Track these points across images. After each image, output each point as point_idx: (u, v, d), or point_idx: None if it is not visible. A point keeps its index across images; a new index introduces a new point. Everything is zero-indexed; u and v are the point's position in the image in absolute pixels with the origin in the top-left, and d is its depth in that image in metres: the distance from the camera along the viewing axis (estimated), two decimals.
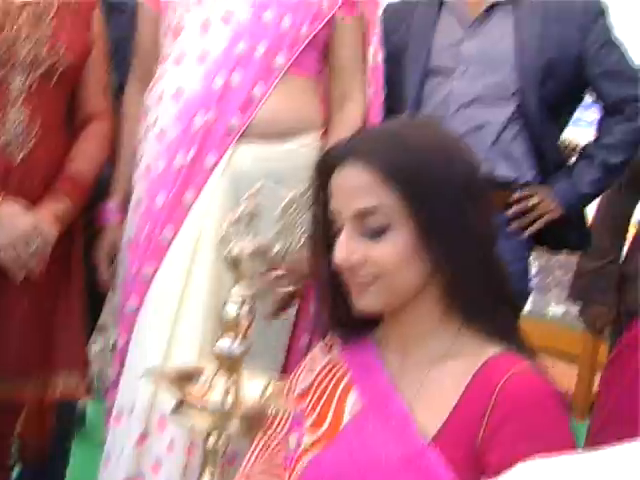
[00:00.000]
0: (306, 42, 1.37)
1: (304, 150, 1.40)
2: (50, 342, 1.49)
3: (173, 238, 1.39)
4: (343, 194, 0.90)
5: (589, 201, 1.72)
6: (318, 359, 1.04)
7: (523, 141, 1.60)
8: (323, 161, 0.95)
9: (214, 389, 0.70)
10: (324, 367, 1.02)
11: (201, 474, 0.72)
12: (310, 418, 0.98)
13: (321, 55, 1.46)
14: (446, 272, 0.89)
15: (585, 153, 1.67)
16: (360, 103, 1.46)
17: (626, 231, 1.99)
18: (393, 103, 1.53)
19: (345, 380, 0.98)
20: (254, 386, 0.74)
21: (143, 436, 1.36)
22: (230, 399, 0.70)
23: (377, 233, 0.89)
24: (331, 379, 1.00)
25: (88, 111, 1.48)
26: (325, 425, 0.96)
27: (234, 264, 0.68)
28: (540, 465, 0.56)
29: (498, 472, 0.56)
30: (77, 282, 1.54)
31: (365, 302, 0.91)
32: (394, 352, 0.97)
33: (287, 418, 1.01)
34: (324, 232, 0.94)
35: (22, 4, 1.33)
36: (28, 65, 1.33)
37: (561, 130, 1.71)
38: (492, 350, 0.90)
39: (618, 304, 1.89)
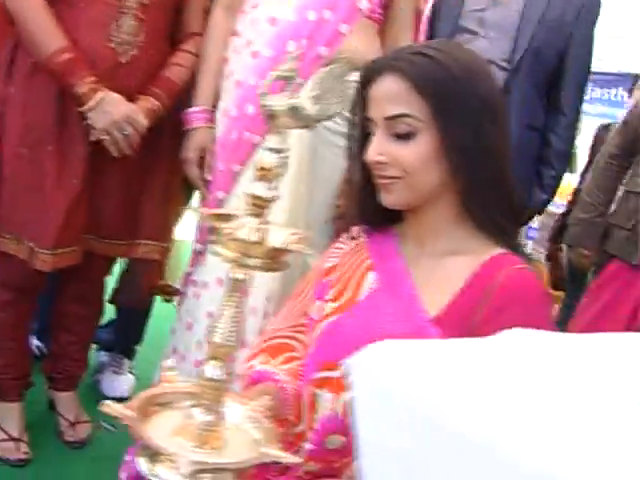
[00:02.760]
0: None
1: None
2: (137, 214, 1.81)
3: (259, 143, 1.55)
4: (378, 101, 0.99)
5: None
6: (345, 244, 1.15)
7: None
8: (364, 72, 1.01)
9: (244, 226, 0.75)
10: (350, 250, 1.13)
11: (226, 301, 0.78)
12: (332, 290, 1.09)
13: (383, 3, 1.69)
14: (460, 180, 0.98)
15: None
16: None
17: (615, 192, 2.30)
18: None
19: (366, 263, 1.08)
20: (280, 234, 0.77)
21: None
22: (256, 235, 0.75)
23: (404, 137, 0.97)
24: (354, 261, 1.10)
25: (188, 30, 1.75)
26: (344, 298, 1.07)
27: (271, 117, 0.72)
28: (522, 333, 0.67)
29: None
30: (163, 172, 1.81)
31: (391, 198, 1.01)
32: (411, 245, 1.06)
33: (311, 287, 1.12)
34: (360, 137, 1.04)
35: None
36: None
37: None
38: (496, 250, 0.99)
39: (602, 249, 2.19)
